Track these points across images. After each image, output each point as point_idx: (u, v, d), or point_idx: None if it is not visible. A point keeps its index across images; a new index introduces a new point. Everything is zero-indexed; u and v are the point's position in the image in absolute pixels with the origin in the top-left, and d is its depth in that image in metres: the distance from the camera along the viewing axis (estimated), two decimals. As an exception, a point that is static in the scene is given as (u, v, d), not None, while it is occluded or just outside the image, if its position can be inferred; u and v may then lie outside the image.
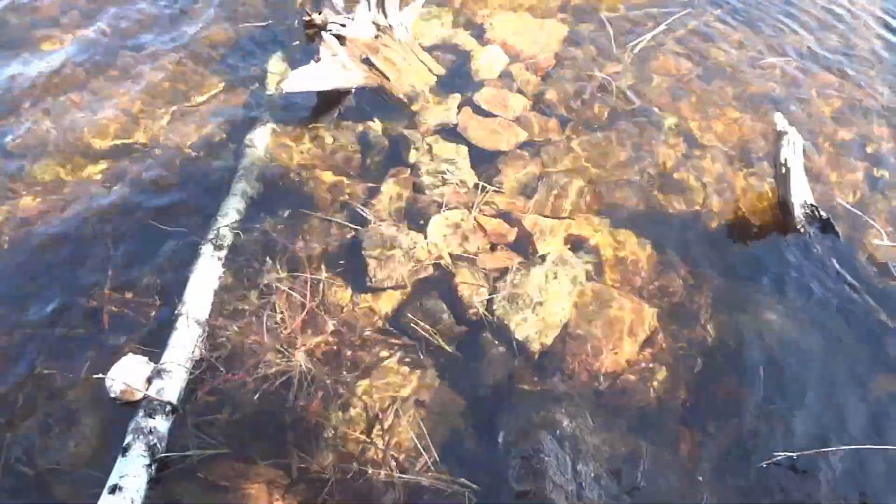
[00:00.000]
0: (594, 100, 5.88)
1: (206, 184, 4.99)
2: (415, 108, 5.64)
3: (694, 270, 4.70)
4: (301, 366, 4.00)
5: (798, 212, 4.85)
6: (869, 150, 5.71)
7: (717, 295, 4.57)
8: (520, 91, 5.90)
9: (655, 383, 4.13)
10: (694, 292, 4.58)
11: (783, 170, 4.82)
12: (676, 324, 4.43)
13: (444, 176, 5.08)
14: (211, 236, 4.51)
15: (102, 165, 5.10)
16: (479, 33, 6.46)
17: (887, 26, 7.18)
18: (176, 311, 4.11)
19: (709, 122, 5.82)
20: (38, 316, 4.20)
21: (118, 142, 5.28)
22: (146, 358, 3.92)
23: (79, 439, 3.72)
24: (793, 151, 4.75)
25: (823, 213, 4.85)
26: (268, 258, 4.51)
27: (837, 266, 4.69)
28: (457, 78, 5.98)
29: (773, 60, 6.47)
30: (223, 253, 4.45)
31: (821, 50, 6.72)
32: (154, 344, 4.01)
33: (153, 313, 4.23)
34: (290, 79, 5.14)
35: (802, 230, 4.84)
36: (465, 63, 6.13)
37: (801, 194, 4.87)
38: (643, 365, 4.21)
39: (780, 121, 4.83)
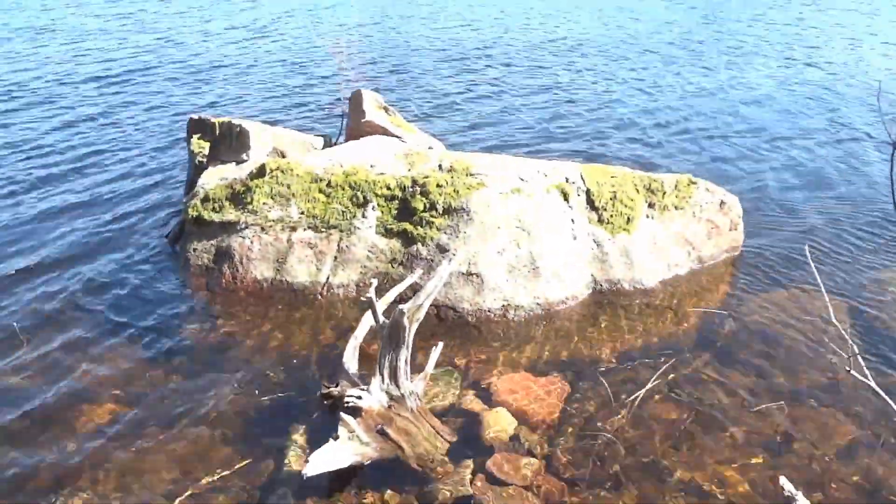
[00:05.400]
0: (602, 459, 6.07)
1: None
2: (428, 478, 5.80)
3: None
4: None
5: (822, 577, 4.81)
6: (877, 490, 5.79)
7: None
8: (530, 453, 6.11)
9: None
10: None
11: (799, 532, 4.87)
12: None
13: (464, 555, 5.11)
14: None
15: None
16: (485, 395, 6.84)
17: (865, 350, 7.59)
18: None
19: (715, 471, 5.96)
20: None
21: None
22: None
23: None
24: (803, 514, 4.85)
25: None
26: None
27: None
28: (468, 443, 6.21)
29: (768, 405, 6.79)
30: None
31: (808, 388, 7.07)
32: None
33: None
34: (311, 463, 5.36)
35: None
36: (475, 427, 6.42)
37: (822, 558, 4.87)
38: None
39: (786, 485, 4.97)
